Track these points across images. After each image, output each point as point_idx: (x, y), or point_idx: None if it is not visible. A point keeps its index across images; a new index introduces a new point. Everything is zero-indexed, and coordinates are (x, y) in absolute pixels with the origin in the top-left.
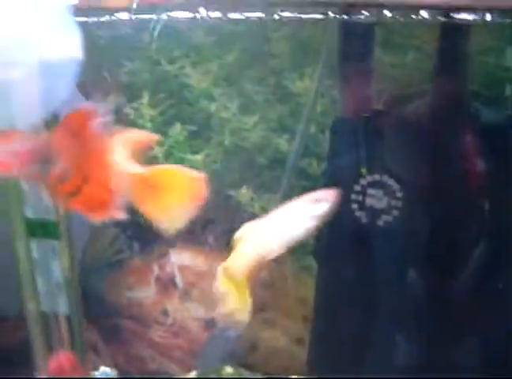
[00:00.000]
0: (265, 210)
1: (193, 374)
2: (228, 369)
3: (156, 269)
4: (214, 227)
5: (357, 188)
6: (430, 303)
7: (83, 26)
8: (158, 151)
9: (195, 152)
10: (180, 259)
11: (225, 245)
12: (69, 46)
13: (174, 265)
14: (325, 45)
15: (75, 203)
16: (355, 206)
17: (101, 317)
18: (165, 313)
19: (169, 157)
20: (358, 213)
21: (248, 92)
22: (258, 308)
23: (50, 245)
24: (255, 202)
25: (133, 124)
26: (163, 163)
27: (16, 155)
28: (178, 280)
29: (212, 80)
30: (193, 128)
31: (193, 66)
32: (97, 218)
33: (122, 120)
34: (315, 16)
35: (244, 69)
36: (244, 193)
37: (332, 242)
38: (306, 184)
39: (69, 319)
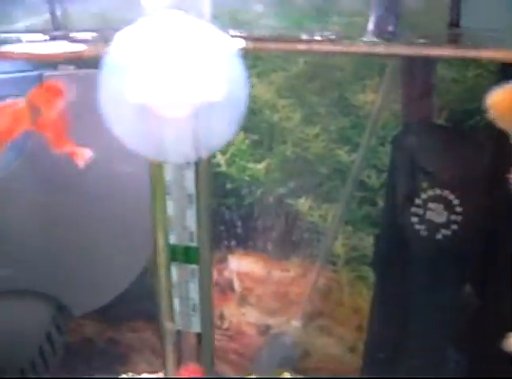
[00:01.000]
0: (323, 219)
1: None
2: (286, 375)
3: (214, 274)
4: (273, 235)
5: (418, 201)
6: (485, 318)
7: None
8: (220, 159)
9: (257, 161)
10: (238, 265)
11: (283, 253)
12: (233, 88)
13: (232, 271)
14: (389, 59)
15: None
16: (415, 219)
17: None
18: (222, 317)
19: (231, 164)
20: (418, 226)
21: (311, 104)
22: (313, 315)
23: (190, 269)
24: (314, 211)
25: None
26: (225, 170)
27: None
28: (236, 286)
29: (276, 91)
30: (256, 137)
31: (259, 77)
32: None
33: None
34: None
35: (307, 81)
36: (303, 203)
37: (391, 253)
38: (364, 195)
39: (199, 336)
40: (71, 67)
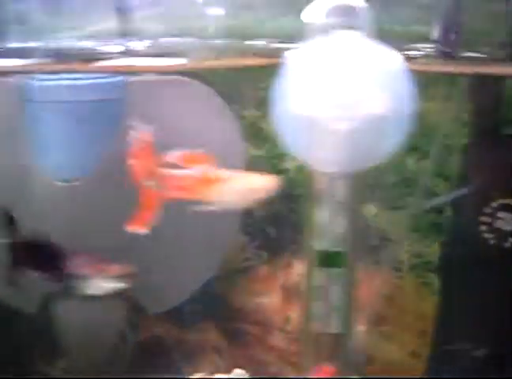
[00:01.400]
0: (390, 226)
1: None
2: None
3: (281, 278)
4: None
5: (487, 210)
6: None
7: None
8: (290, 165)
9: None
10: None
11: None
12: (398, 104)
13: (298, 276)
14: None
15: None
16: (483, 228)
17: (225, 319)
18: (287, 320)
19: (301, 171)
20: (486, 235)
21: None
22: (377, 321)
23: (334, 272)
24: (381, 218)
25: (266, 138)
26: (293, 176)
27: None
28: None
29: None
30: None
31: None
32: None
33: (257, 134)
34: None
35: None
36: (371, 209)
37: (457, 260)
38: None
39: (338, 337)
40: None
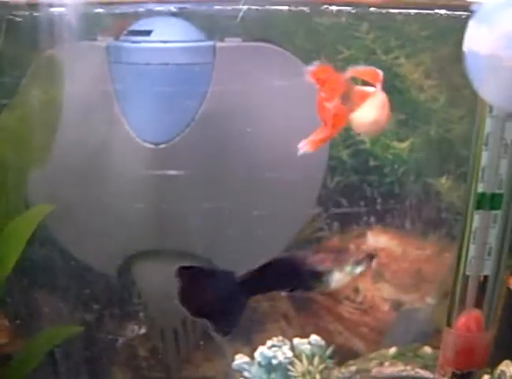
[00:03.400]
0: (462, 200)
1: (392, 351)
2: (427, 350)
3: (352, 249)
4: (411, 213)
5: None
6: None
7: None
8: (365, 136)
9: (401, 140)
10: (376, 241)
11: (420, 231)
12: None
13: (370, 246)
14: None
15: None
16: None
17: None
18: (356, 290)
19: (376, 143)
20: None
21: (457, 85)
22: (447, 294)
23: (492, 215)
24: (453, 192)
25: None
26: (369, 148)
27: None
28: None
29: (424, 72)
30: (402, 116)
31: (407, 57)
32: None
33: None
34: None
35: (456, 63)
36: (443, 183)
37: None
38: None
39: (486, 280)
40: (238, 39)
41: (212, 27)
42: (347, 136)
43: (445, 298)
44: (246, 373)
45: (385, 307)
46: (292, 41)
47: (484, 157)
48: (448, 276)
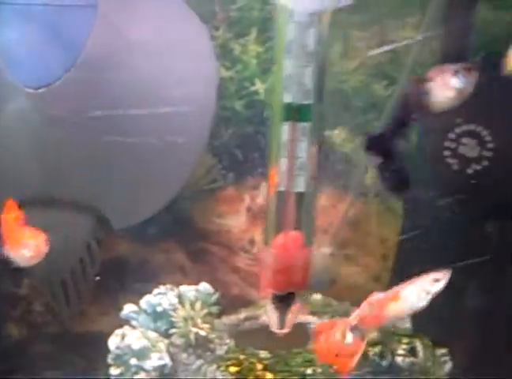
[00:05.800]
0: (356, 151)
1: None
2: (317, 296)
3: (247, 200)
4: None
5: (451, 136)
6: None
7: None
8: (260, 87)
9: None
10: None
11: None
12: None
13: (265, 197)
14: None
15: None
16: (447, 153)
17: (190, 240)
18: (252, 242)
19: (271, 94)
20: (449, 160)
21: (351, 38)
22: (342, 244)
23: (301, 127)
24: (348, 143)
25: (237, 59)
26: (263, 99)
27: None
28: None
29: None
30: None
31: None
32: None
33: (227, 55)
34: None
35: (349, 15)
36: (338, 134)
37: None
38: None
39: (301, 197)
40: None
41: None
42: (240, 86)
43: (338, 249)
44: (134, 323)
45: None
46: None
47: (288, 66)
48: (342, 227)
